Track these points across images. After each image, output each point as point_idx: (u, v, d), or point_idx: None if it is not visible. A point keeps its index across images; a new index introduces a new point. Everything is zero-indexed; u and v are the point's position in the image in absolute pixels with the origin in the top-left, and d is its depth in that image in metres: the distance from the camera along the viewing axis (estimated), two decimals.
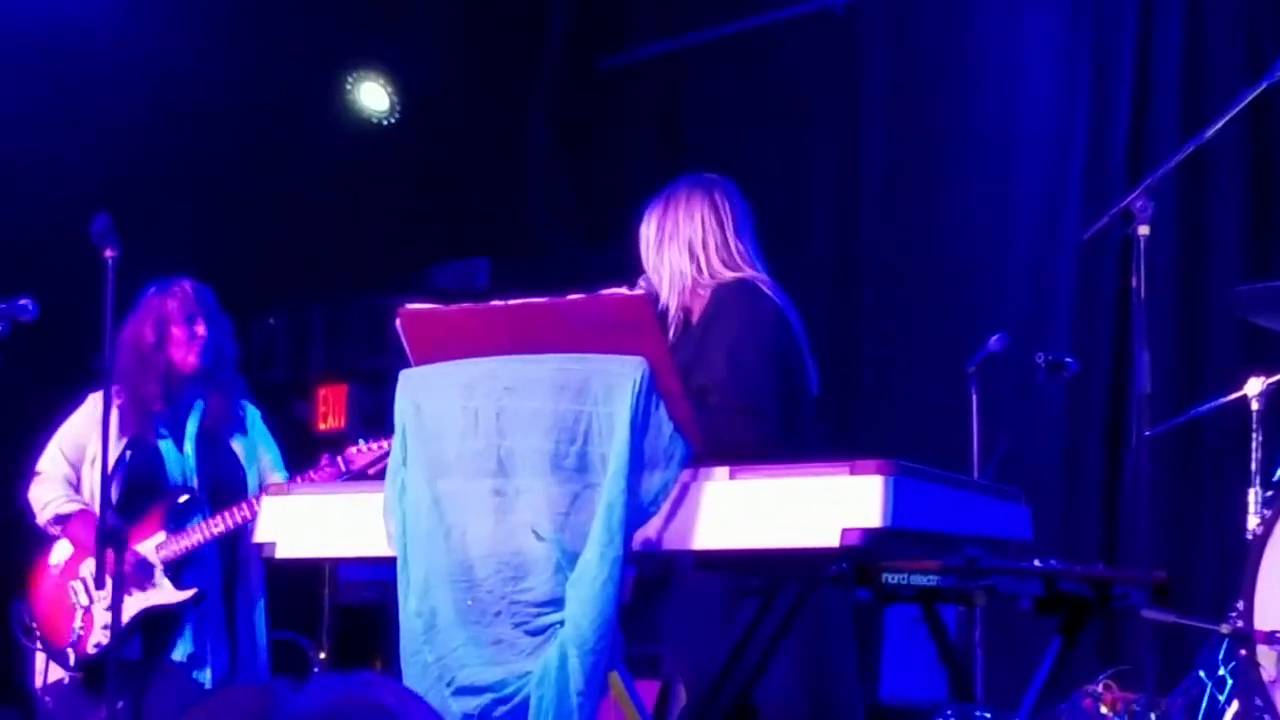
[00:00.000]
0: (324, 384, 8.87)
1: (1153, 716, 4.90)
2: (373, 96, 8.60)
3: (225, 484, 5.69)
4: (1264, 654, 4.71)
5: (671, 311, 4.49)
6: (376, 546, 3.95)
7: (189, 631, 5.58)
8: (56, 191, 7.35)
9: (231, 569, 5.70)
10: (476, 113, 8.82)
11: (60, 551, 5.72)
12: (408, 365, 3.97)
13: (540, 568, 3.72)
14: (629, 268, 4.59)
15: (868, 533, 3.53)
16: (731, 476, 3.71)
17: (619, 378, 3.71)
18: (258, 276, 8.16)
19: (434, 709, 2.07)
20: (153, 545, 5.59)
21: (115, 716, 5.16)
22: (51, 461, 5.74)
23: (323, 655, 7.30)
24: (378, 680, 2.01)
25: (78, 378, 5.66)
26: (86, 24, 7.62)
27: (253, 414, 5.88)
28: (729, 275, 4.48)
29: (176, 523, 5.61)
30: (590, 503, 3.68)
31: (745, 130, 8.40)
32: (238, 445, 5.78)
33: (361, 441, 5.75)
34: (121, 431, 5.60)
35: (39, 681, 5.63)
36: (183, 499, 5.61)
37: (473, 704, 3.77)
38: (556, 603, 3.70)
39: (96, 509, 5.39)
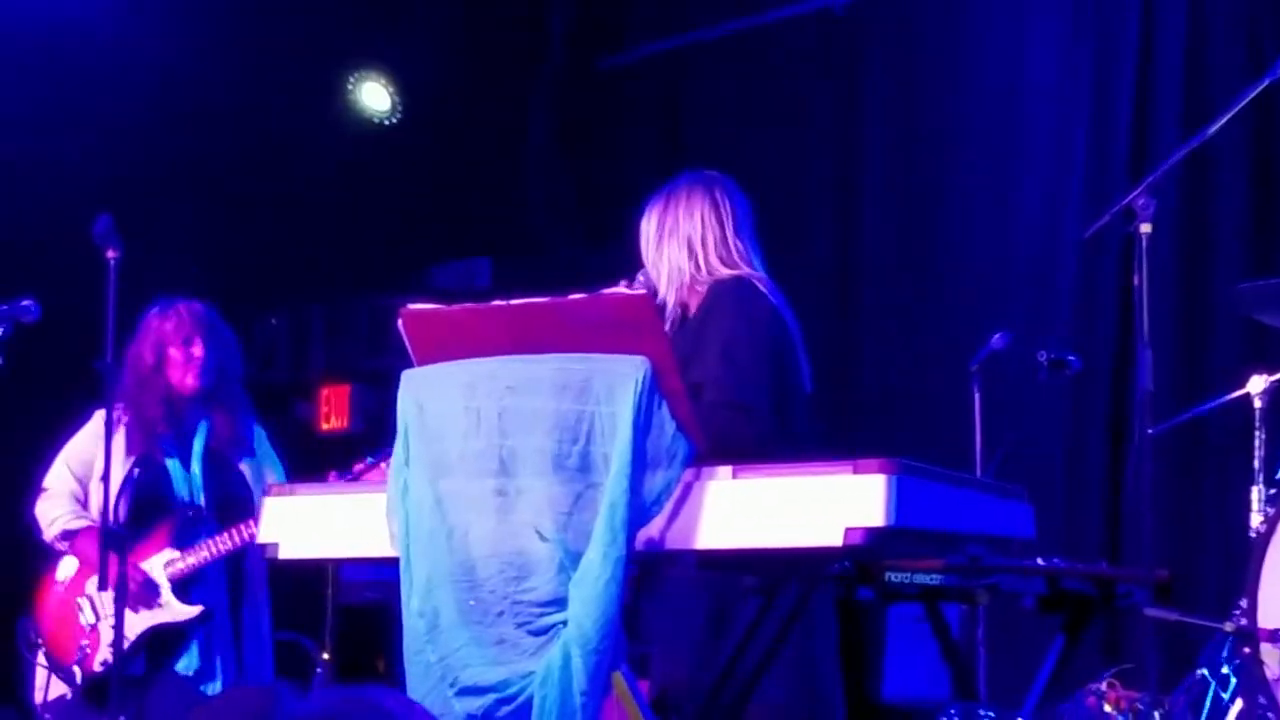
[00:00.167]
0: (326, 384, 8.87)
1: (1156, 715, 4.89)
2: (374, 96, 8.60)
3: (232, 502, 5.68)
4: (1268, 652, 4.71)
5: (669, 307, 4.49)
6: (379, 547, 3.95)
7: (195, 646, 5.57)
8: (57, 192, 7.34)
9: (238, 585, 5.70)
10: (477, 113, 8.82)
11: (67, 567, 5.71)
12: (409, 365, 3.97)
13: (543, 568, 3.72)
14: (629, 267, 4.59)
15: (871, 532, 3.53)
16: (734, 476, 3.71)
17: (621, 377, 3.71)
18: (258, 276, 8.17)
19: (434, 715, 2.08)
20: (160, 562, 5.59)
21: None
22: (58, 478, 5.73)
23: (325, 656, 7.29)
24: (380, 689, 2.01)
25: (80, 380, 5.64)
26: (86, 24, 7.61)
27: (258, 434, 5.88)
28: (726, 273, 4.48)
29: (184, 540, 5.60)
30: (593, 502, 3.68)
31: (745, 130, 8.39)
32: (245, 466, 5.77)
33: (369, 459, 5.72)
34: (129, 451, 5.60)
35: (39, 698, 5.60)
36: (190, 515, 5.61)
37: (476, 704, 3.76)
38: (559, 602, 3.70)
39: None
